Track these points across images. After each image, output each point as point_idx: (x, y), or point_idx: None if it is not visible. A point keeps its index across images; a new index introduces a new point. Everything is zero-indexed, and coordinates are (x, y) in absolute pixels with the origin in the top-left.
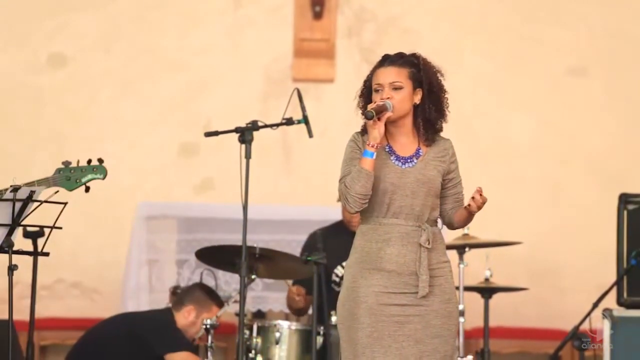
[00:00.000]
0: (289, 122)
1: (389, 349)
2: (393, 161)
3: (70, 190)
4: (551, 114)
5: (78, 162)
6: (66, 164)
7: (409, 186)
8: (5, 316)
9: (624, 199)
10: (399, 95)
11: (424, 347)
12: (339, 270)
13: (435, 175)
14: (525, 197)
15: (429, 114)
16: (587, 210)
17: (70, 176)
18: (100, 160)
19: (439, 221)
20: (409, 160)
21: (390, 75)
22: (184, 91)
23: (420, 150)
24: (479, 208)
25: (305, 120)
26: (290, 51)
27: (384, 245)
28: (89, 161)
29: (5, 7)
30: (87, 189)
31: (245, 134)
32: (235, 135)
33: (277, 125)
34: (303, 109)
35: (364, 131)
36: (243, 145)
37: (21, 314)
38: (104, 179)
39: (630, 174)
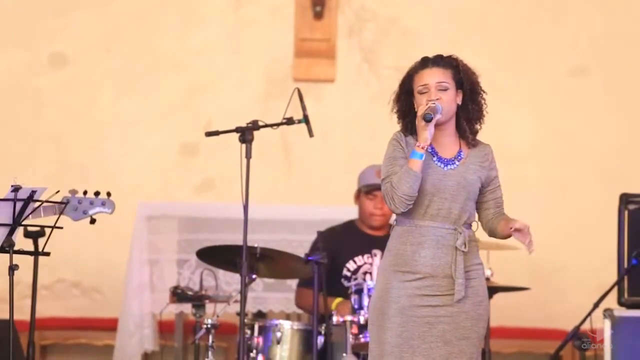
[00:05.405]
0: (289, 121)
1: (417, 349)
2: (435, 162)
3: (76, 220)
4: (552, 114)
5: (85, 192)
6: (73, 192)
7: (449, 189)
8: (6, 316)
9: (625, 199)
10: (447, 96)
11: (452, 349)
12: (350, 265)
13: (475, 180)
14: (525, 197)
15: (472, 115)
16: (587, 210)
17: (78, 207)
18: (109, 194)
19: (474, 224)
20: (450, 162)
21: (437, 75)
22: (184, 91)
23: (462, 153)
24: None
25: (305, 120)
26: (290, 51)
27: (419, 248)
28: (97, 193)
29: (5, 7)
30: (93, 221)
31: (246, 133)
32: (236, 135)
33: (278, 125)
34: (303, 108)
35: (407, 130)
36: (243, 145)
37: (22, 313)
38: (111, 213)
39: (631, 173)
